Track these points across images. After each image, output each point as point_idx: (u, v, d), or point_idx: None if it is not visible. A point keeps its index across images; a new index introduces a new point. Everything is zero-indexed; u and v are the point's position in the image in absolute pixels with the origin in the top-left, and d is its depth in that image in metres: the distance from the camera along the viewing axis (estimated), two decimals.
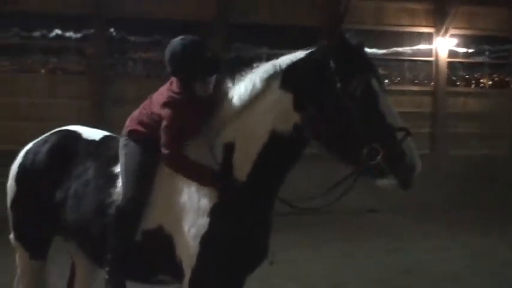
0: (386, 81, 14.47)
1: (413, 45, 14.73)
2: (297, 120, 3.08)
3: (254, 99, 3.21)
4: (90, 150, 3.84)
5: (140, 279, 3.67)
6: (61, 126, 4.15)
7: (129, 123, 3.67)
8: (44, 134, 4.15)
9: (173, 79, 3.46)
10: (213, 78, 3.40)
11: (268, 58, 3.28)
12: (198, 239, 3.24)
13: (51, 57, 12.90)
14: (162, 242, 3.38)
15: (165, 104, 3.35)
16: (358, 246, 9.08)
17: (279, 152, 3.19)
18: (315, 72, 3.01)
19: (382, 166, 2.80)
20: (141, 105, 3.69)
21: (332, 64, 2.93)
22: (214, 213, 3.25)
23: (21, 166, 3.99)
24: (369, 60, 3.01)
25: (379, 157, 2.79)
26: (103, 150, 3.81)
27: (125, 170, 3.53)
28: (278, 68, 3.15)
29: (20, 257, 4.08)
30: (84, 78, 12.85)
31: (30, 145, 4.08)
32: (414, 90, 15.01)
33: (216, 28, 13.06)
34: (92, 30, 12.88)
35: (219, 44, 12.70)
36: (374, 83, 2.90)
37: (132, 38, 13.08)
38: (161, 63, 12.17)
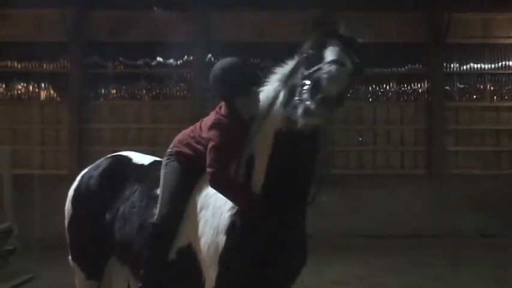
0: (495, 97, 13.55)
1: None
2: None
3: (272, 104, 3.26)
4: (138, 173, 3.97)
5: None
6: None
7: (176, 145, 3.74)
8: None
9: (222, 103, 3.53)
10: (256, 95, 3.40)
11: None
12: (217, 258, 3.18)
13: (154, 84, 13.36)
14: (192, 260, 3.38)
15: (212, 126, 3.43)
16: (456, 271, 8.55)
17: (285, 150, 3.10)
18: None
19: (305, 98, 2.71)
20: (189, 129, 3.77)
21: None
22: (231, 230, 3.18)
23: (77, 189, 4.19)
24: (334, 31, 2.97)
25: (305, 89, 2.71)
26: (149, 174, 3.91)
27: (163, 188, 3.59)
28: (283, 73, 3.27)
29: (77, 278, 4.22)
30: (185, 103, 13.22)
31: (86, 169, 4.27)
32: None
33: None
34: (191, 57, 13.25)
35: None
36: (331, 41, 2.85)
37: None
38: None
